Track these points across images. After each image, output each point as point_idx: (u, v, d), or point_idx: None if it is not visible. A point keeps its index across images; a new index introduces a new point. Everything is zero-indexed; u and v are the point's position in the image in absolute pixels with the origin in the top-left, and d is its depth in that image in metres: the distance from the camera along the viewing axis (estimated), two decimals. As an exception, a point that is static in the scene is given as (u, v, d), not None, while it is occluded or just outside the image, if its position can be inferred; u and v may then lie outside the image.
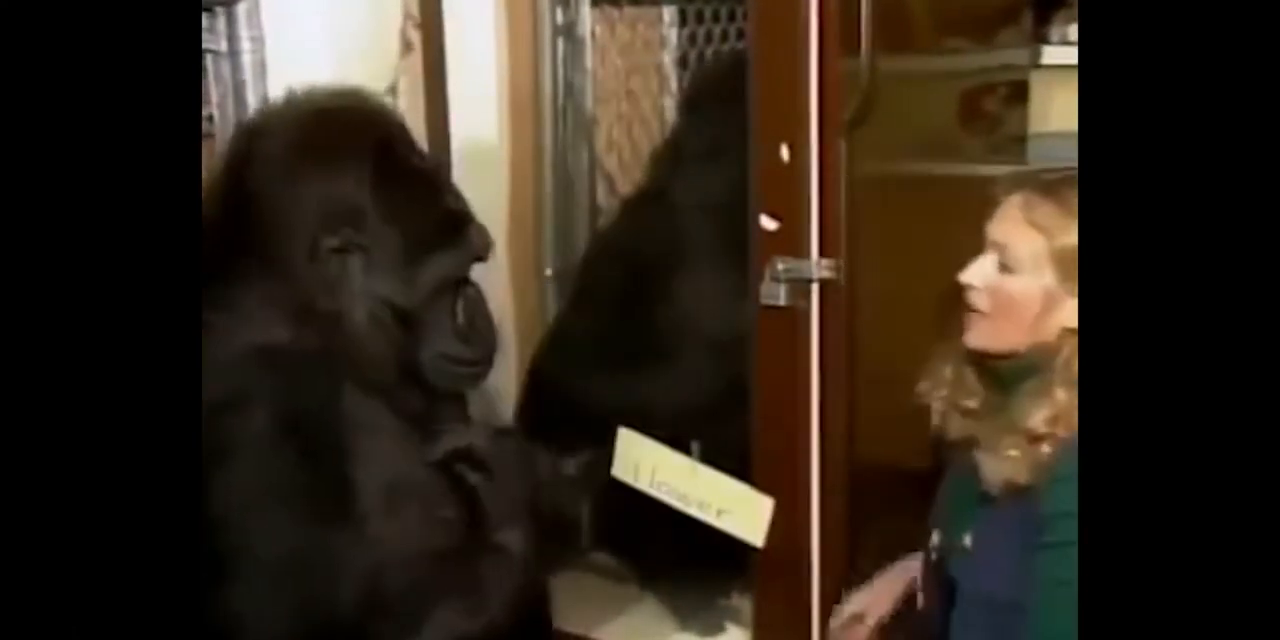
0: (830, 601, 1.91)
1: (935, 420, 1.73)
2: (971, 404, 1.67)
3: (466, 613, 1.54)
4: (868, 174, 1.87)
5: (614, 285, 2.33)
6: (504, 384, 2.39)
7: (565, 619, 2.05)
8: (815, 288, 1.80)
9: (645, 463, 1.96)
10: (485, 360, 1.70)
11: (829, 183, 1.79)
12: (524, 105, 2.42)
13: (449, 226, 1.66)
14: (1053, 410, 1.53)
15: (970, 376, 1.68)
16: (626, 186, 2.59)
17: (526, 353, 2.48)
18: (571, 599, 2.11)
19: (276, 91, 1.96)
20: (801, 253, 1.79)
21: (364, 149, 1.59)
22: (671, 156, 2.36)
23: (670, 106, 2.65)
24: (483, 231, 1.71)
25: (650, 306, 2.27)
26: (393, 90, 2.13)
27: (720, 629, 2.35)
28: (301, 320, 1.55)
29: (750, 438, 1.92)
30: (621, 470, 1.97)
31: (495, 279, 2.38)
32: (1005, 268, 1.58)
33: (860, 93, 1.84)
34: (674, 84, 2.64)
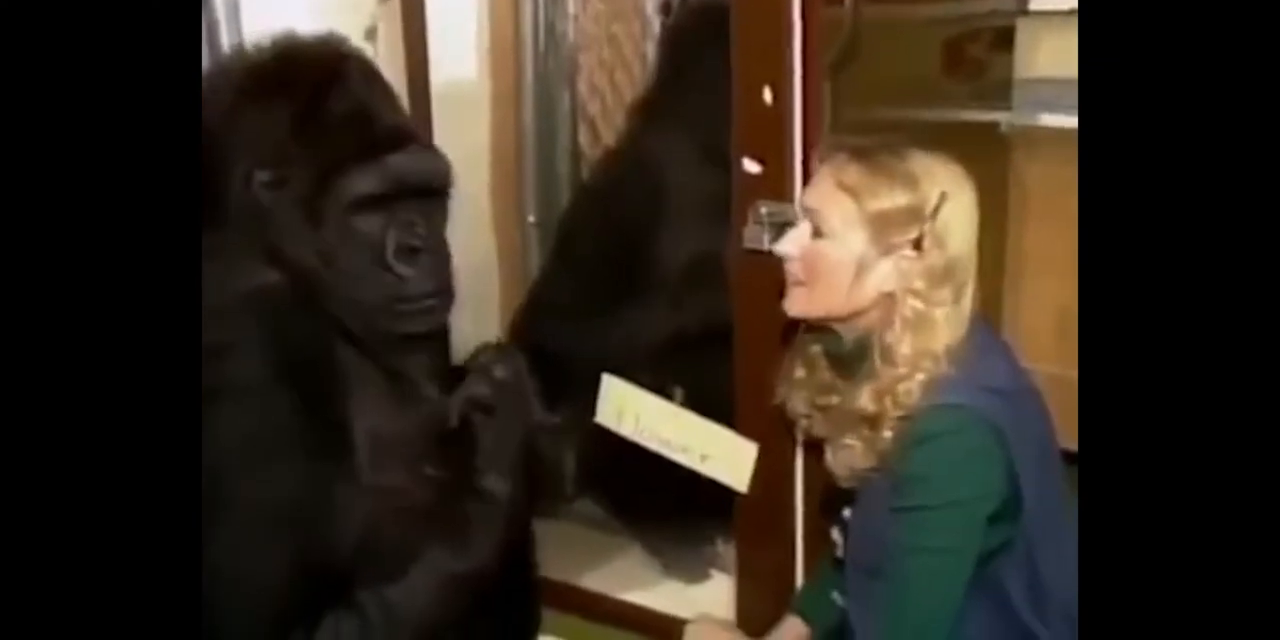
0: (813, 546, 1.92)
1: (803, 422, 1.74)
2: (831, 400, 1.67)
3: (453, 556, 1.52)
4: (851, 119, 1.86)
5: (596, 234, 2.32)
6: (489, 333, 2.39)
7: (550, 567, 2.05)
8: (799, 231, 1.79)
9: (628, 408, 1.95)
10: (438, 294, 1.53)
11: (812, 126, 1.78)
12: (505, 51, 2.40)
13: (379, 144, 1.50)
14: (876, 387, 1.53)
15: (822, 372, 1.69)
16: (608, 133, 2.57)
17: (510, 300, 2.47)
18: (556, 547, 2.11)
19: (251, 34, 1.94)
20: (785, 196, 1.78)
21: (304, 84, 1.51)
22: (651, 104, 2.35)
23: (652, 52, 2.62)
24: (433, 152, 1.58)
25: (633, 253, 2.26)
26: (371, 35, 2.11)
27: (705, 576, 2.36)
28: (277, 263, 1.49)
29: (733, 382, 1.92)
30: (605, 416, 1.97)
31: (478, 227, 2.38)
32: (818, 233, 1.56)
33: (844, 36, 1.83)
34: (656, 29, 2.61)
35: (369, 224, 1.49)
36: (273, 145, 1.49)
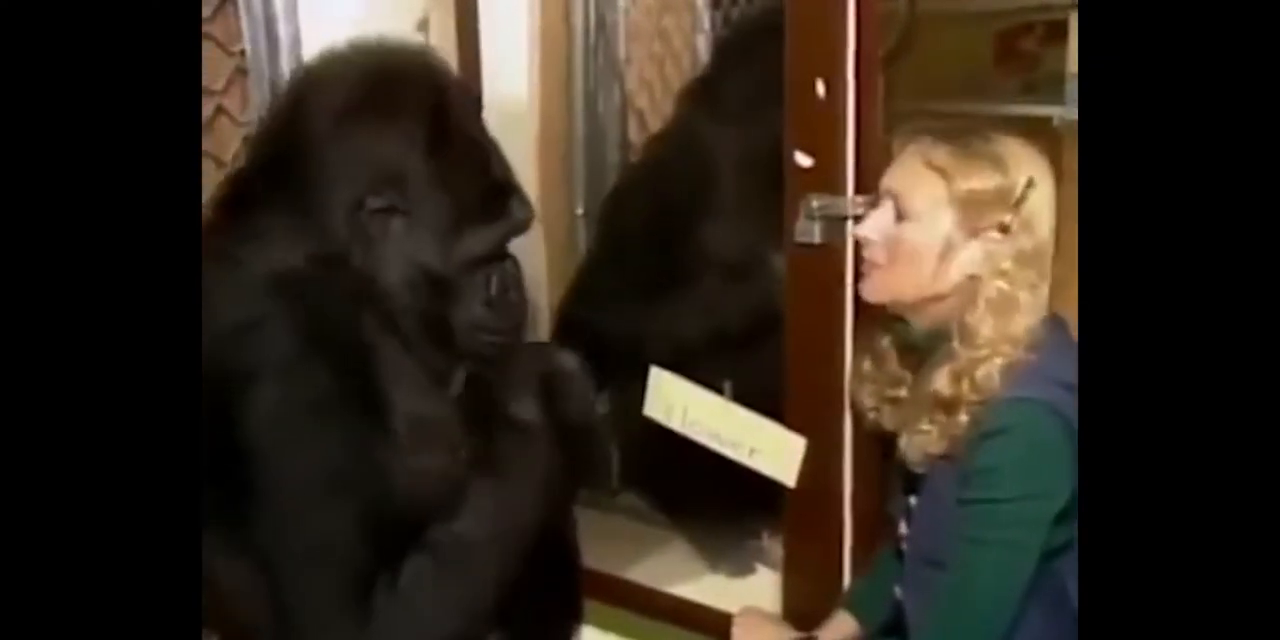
0: (862, 542, 1.91)
1: (871, 416, 1.72)
2: (900, 392, 1.66)
3: (498, 485, 1.62)
4: (904, 111, 1.85)
5: (642, 223, 2.32)
6: (533, 330, 2.39)
7: (594, 559, 2.06)
8: (850, 225, 1.78)
9: (677, 402, 1.96)
10: (513, 331, 1.71)
11: (865, 119, 1.77)
12: (556, 43, 2.40)
13: (494, 198, 1.65)
14: (953, 369, 1.52)
15: (891, 364, 1.68)
16: (658, 125, 2.56)
17: (557, 293, 2.47)
18: (600, 539, 2.12)
19: (308, 27, 1.95)
20: (837, 190, 1.77)
21: (419, 110, 1.59)
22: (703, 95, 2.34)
23: (703, 45, 2.62)
24: (525, 203, 1.70)
25: (679, 244, 2.26)
26: (423, 25, 2.11)
27: (750, 570, 2.35)
28: (329, 263, 1.56)
29: (783, 377, 1.91)
30: (653, 409, 1.97)
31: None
32: (902, 216, 1.55)
33: (899, 29, 1.82)
34: (706, 22, 2.61)
35: (480, 268, 1.63)
36: (392, 172, 1.56)
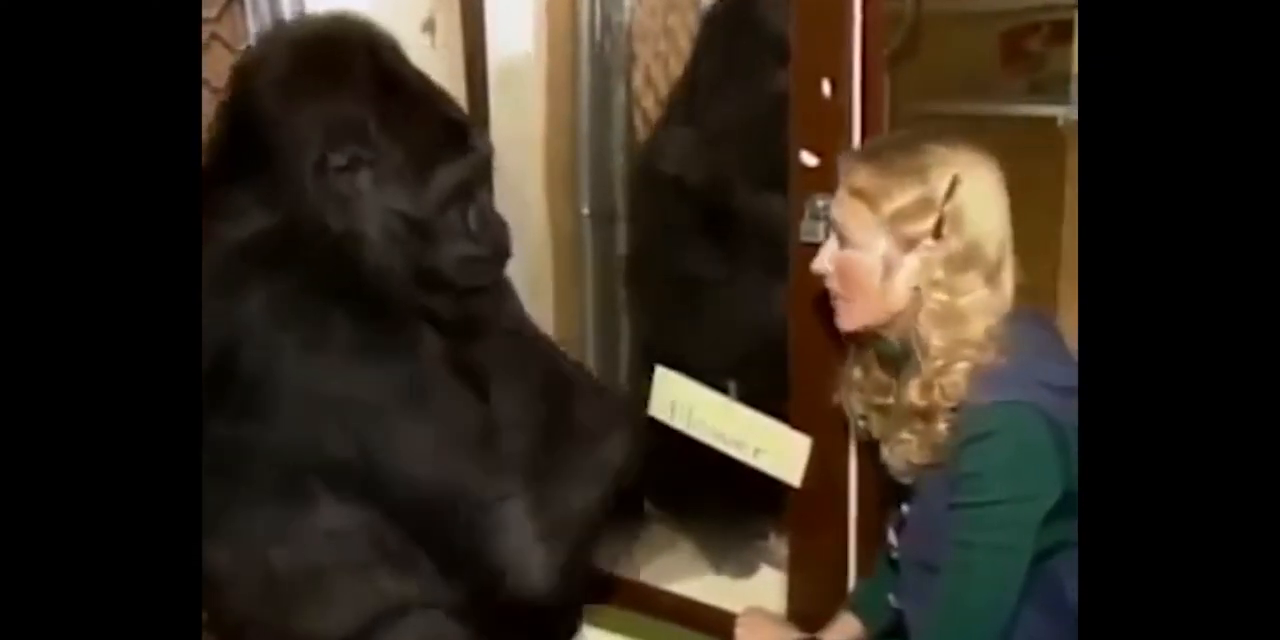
0: (867, 541, 1.91)
1: (860, 423, 1.74)
2: (887, 400, 1.67)
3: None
4: (910, 112, 1.85)
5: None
6: (543, 322, 2.40)
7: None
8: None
9: (681, 401, 1.96)
10: (500, 255, 1.75)
11: (871, 119, 1.77)
12: (561, 43, 2.40)
13: (452, 134, 1.68)
14: (920, 380, 1.53)
15: (877, 372, 1.69)
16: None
17: (564, 290, 2.47)
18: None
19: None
20: (843, 190, 1.77)
21: (360, 64, 1.63)
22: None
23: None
24: (484, 136, 1.75)
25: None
26: (429, 26, 2.11)
27: (755, 569, 2.35)
28: (303, 229, 1.60)
29: (788, 376, 1.92)
30: (658, 409, 1.97)
31: (533, 217, 2.38)
32: (843, 243, 1.58)
33: (904, 28, 1.82)
34: (712, 22, 2.61)
35: (455, 203, 1.67)
36: (349, 130, 1.59)
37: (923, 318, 1.53)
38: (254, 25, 1.96)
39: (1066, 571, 1.50)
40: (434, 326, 1.66)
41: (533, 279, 2.36)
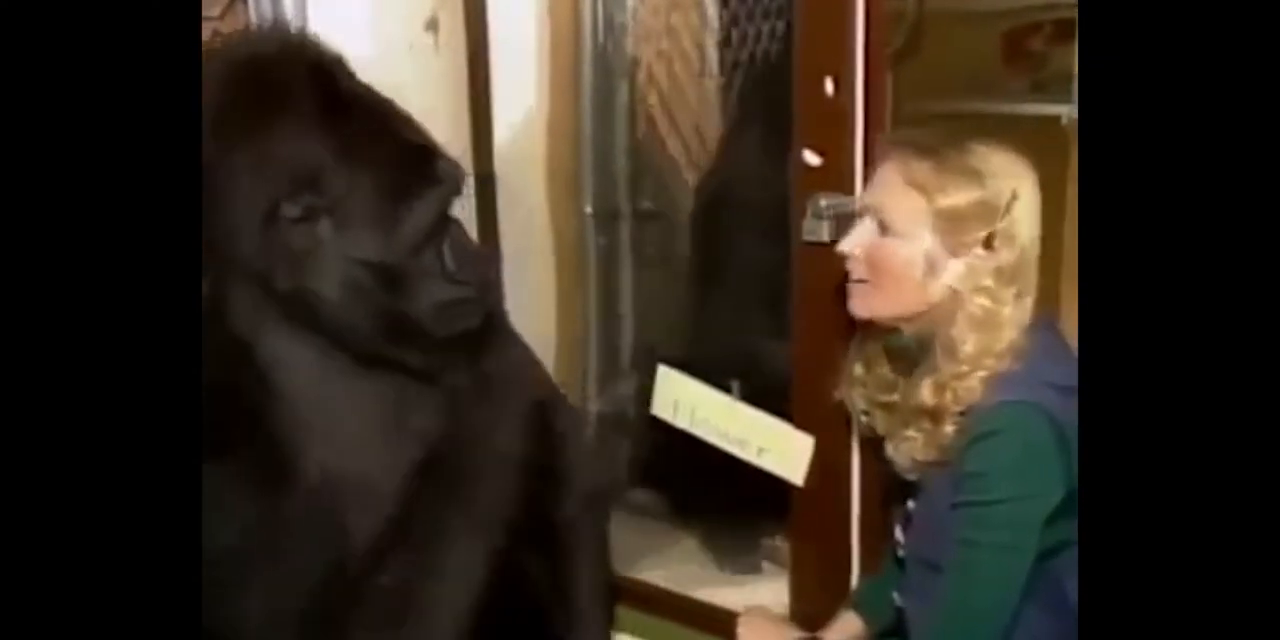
0: (870, 540, 1.91)
1: (863, 419, 1.72)
2: (892, 398, 1.66)
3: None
4: (913, 111, 1.85)
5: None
6: (545, 321, 2.40)
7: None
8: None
9: (684, 400, 1.95)
10: (483, 294, 1.52)
11: (874, 118, 1.77)
12: (564, 42, 2.40)
13: (418, 164, 1.44)
14: (936, 381, 1.52)
15: (882, 368, 1.67)
16: (665, 124, 2.57)
17: (566, 290, 2.47)
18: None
19: (317, 25, 1.95)
20: (845, 188, 1.76)
21: (304, 92, 1.39)
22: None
23: (711, 43, 2.62)
24: (451, 160, 1.50)
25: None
26: (431, 25, 2.11)
27: (757, 569, 2.35)
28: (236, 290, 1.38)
29: (791, 375, 1.91)
30: (661, 408, 1.97)
31: (535, 217, 2.38)
32: (884, 230, 1.54)
33: (907, 27, 1.81)
34: (714, 21, 2.61)
35: (429, 242, 1.44)
36: (302, 173, 1.36)
37: (961, 320, 1.52)
38: (256, 23, 1.96)
39: (1068, 571, 1.50)
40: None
41: (535, 279, 2.37)
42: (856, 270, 1.59)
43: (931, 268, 1.52)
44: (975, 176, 1.50)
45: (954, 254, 1.52)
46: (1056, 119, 2.52)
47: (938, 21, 1.91)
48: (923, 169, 1.52)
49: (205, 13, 1.90)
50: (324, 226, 1.37)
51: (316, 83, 1.40)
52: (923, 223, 1.52)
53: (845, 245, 1.59)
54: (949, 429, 1.52)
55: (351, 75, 1.46)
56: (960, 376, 1.51)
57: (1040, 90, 2.45)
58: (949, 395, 1.51)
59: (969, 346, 1.51)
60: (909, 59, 1.85)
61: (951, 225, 1.50)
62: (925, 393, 1.53)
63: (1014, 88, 2.35)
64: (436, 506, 1.48)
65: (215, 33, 1.99)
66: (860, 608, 1.85)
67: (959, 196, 1.50)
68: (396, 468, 1.47)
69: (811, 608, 1.97)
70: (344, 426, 1.45)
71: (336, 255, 1.38)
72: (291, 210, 1.35)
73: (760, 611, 1.99)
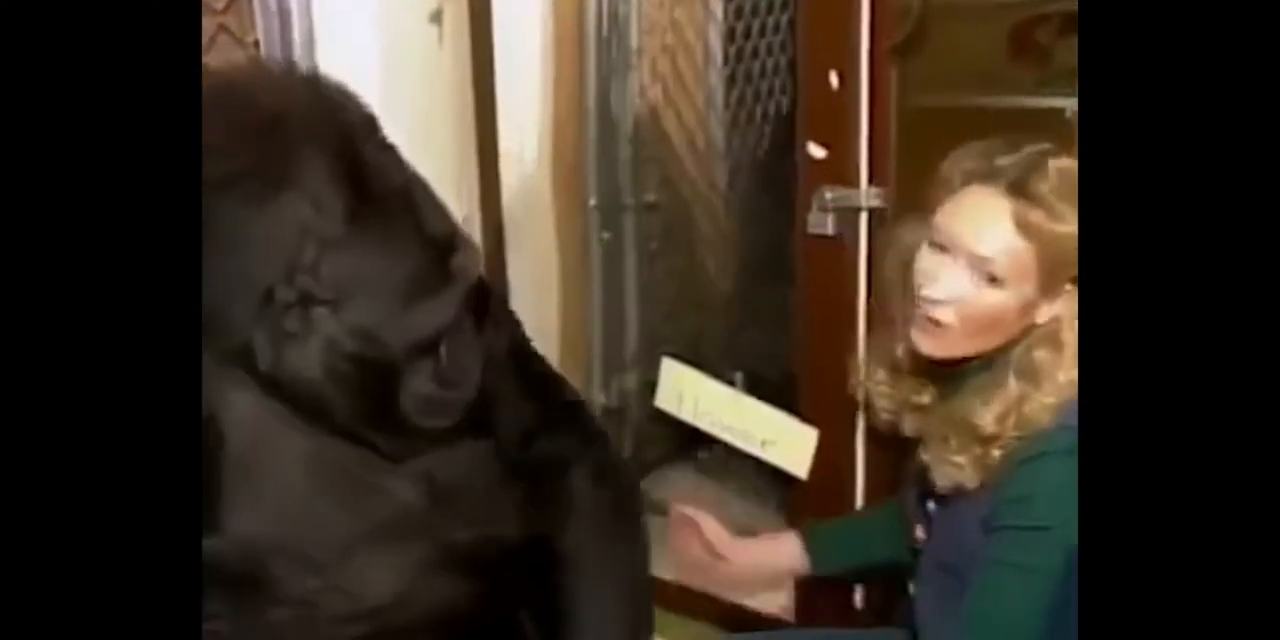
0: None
1: (885, 416, 1.64)
2: (924, 400, 1.59)
3: None
4: (918, 104, 1.85)
5: None
6: (549, 316, 2.40)
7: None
8: (864, 217, 1.78)
9: (689, 393, 1.96)
10: (464, 399, 1.34)
11: (879, 111, 1.77)
12: (569, 35, 2.40)
13: (435, 260, 1.28)
14: (1003, 406, 1.43)
15: (911, 371, 1.59)
16: (670, 117, 2.57)
17: (570, 284, 2.47)
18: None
19: (322, 18, 1.95)
20: (850, 181, 1.77)
21: (322, 166, 1.22)
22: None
23: (715, 36, 2.62)
24: (469, 252, 1.34)
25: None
26: (436, 17, 2.11)
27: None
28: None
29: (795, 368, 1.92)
30: (665, 400, 1.97)
31: (538, 210, 2.38)
32: (986, 280, 1.42)
33: (912, 20, 1.81)
34: (718, 14, 2.61)
35: (428, 344, 1.29)
36: (301, 252, 1.21)
37: (1050, 347, 1.43)
38: (261, 18, 1.96)
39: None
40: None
41: (539, 272, 2.37)
42: (942, 316, 1.45)
43: (1026, 312, 1.44)
44: (1070, 205, 1.39)
45: (1053, 295, 1.44)
46: (1061, 112, 2.53)
47: (943, 14, 1.90)
48: (1038, 216, 1.40)
49: (209, 5, 1.90)
50: (319, 314, 1.23)
51: (340, 151, 1.24)
52: (1030, 270, 1.41)
53: (940, 293, 1.45)
54: (998, 453, 1.45)
55: (381, 142, 1.30)
56: (1035, 401, 1.43)
57: (1047, 84, 2.44)
58: (1013, 419, 1.43)
59: (1062, 376, 1.43)
60: (914, 52, 1.84)
61: (1058, 269, 1.41)
62: (988, 418, 1.44)
63: (1020, 81, 2.34)
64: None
65: (221, 27, 1.99)
66: (811, 541, 1.76)
67: (1070, 241, 1.37)
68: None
69: (816, 599, 1.98)
70: (284, 487, 1.32)
71: (327, 346, 1.24)
72: (287, 294, 1.21)
73: (688, 509, 1.85)
